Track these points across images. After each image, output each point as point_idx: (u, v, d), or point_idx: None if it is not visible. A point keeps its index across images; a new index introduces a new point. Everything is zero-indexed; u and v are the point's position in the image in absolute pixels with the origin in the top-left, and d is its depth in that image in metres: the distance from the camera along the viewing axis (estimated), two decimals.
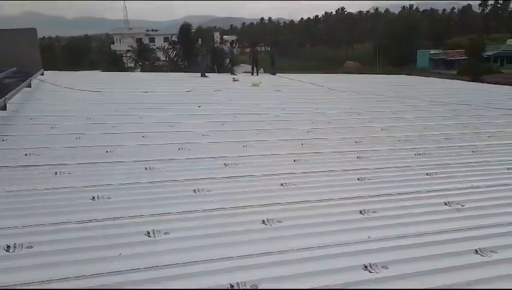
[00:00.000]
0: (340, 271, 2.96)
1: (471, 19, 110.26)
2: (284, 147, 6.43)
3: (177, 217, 3.77)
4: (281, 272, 2.92)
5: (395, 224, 3.76)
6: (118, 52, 61.53)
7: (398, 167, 5.58)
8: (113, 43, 79.68)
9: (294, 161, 5.71)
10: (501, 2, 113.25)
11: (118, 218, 3.68)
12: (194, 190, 4.42)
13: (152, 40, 73.69)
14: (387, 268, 2.98)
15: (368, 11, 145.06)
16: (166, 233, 3.42)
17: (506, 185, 4.97)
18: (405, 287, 2.78)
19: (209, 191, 4.44)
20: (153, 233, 3.40)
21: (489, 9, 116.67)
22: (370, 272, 2.93)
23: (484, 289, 2.86)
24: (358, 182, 4.94)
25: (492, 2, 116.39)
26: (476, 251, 3.30)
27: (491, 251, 3.30)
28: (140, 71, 42.01)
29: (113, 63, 50.77)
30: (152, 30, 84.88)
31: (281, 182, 4.77)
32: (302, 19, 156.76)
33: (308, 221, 3.77)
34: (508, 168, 5.65)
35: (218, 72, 24.15)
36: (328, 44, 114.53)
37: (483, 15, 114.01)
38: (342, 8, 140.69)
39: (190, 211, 3.88)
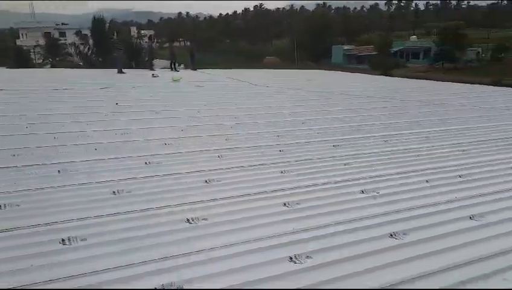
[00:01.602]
0: (267, 264, 2.98)
1: (378, 17, 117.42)
2: (207, 143, 6.36)
3: (95, 221, 3.55)
4: (209, 270, 2.87)
5: (318, 214, 3.88)
6: (25, 48, 57.03)
7: (319, 158, 5.77)
8: (19, 38, 73.77)
9: (219, 156, 5.67)
10: (404, 1, 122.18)
11: (30, 226, 3.39)
12: (114, 192, 4.21)
13: (63, 34, 69.26)
14: (311, 258, 3.05)
15: (283, 8, 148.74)
16: (83, 239, 3.21)
17: (415, 171, 5.33)
18: (329, 275, 2.87)
19: (129, 192, 4.26)
20: (69, 240, 3.18)
21: (394, 8, 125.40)
22: (295, 263, 2.98)
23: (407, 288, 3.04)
24: (282, 175, 5.02)
25: (396, 2, 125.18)
26: (391, 234, 3.51)
27: (403, 234, 3.51)
28: (51, 68, 39.28)
29: (19, 59, 46.90)
30: (62, 24, 79.76)
31: (205, 179, 4.71)
32: (220, 14, 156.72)
33: (234, 217, 3.75)
34: (417, 155, 6.08)
35: (137, 67, 23.32)
36: (248, 40, 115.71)
37: (389, 13, 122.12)
38: (261, 5, 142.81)
39: (109, 215, 3.68)
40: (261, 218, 3.77)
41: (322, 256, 3.09)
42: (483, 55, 52.84)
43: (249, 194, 4.31)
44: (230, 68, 24.94)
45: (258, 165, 5.34)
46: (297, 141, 6.74)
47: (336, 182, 4.82)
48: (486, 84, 19.09)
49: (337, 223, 3.69)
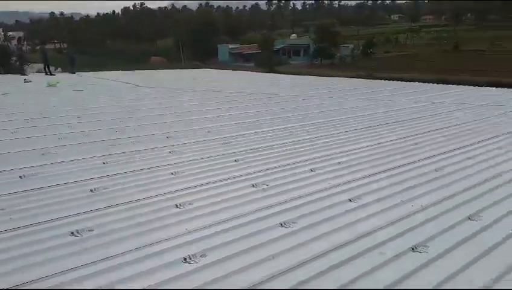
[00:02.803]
0: (163, 267, 2.92)
1: (259, 16, 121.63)
2: (90, 150, 5.98)
3: None
4: (98, 284, 2.72)
5: (211, 212, 3.90)
6: None
7: (209, 156, 5.79)
8: None
9: (104, 163, 5.38)
10: (283, 1, 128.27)
11: None
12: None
13: None
14: (206, 256, 3.06)
15: (166, 7, 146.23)
16: None
17: (300, 161, 5.63)
18: (223, 271, 2.90)
19: (3, 209, 3.84)
20: None
21: (274, 8, 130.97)
22: (189, 263, 2.96)
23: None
24: (172, 176, 4.94)
25: (276, 1, 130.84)
26: (281, 224, 3.66)
27: (293, 222, 3.70)
28: None
29: None
30: None
31: (90, 188, 4.44)
32: (98, 14, 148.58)
33: (123, 224, 3.60)
34: (303, 146, 6.43)
35: (6, 72, 21.07)
36: (132, 40, 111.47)
37: (270, 13, 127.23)
38: (141, 4, 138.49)
39: None
40: (153, 222, 3.67)
41: (217, 253, 3.11)
42: (356, 51, 57.68)
43: (139, 200, 4.17)
44: (114, 70, 23.82)
45: (148, 169, 5.18)
46: (187, 141, 6.68)
47: (227, 179, 4.89)
48: (362, 78, 20.96)
49: (230, 219, 3.75)
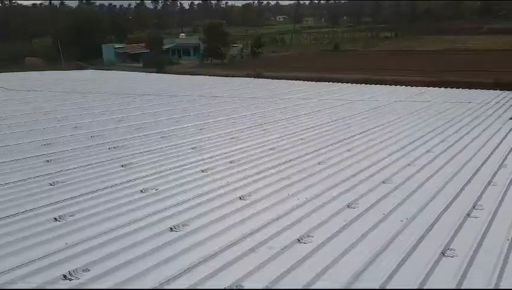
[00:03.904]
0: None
1: (146, 14, 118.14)
2: None
3: None
4: None
5: (95, 222, 3.68)
6: None
7: (93, 163, 5.46)
8: None
9: None
10: (170, 0, 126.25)
11: None
12: None
13: None
14: (89, 270, 2.87)
15: (41, 4, 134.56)
16: None
17: (191, 163, 5.58)
18: (107, 284, 2.75)
19: None
20: None
21: (161, 7, 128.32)
22: (70, 280, 2.76)
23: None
24: (51, 187, 4.56)
25: (162, 0, 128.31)
26: (171, 228, 3.59)
27: (183, 225, 3.65)
28: None
29: None
30: None
31: None
32: None
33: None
34: (192, 148, 6.37)
35: None
36: (1, 39, 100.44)
37: (156, 12, 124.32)
38: (10, 0, 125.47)
39: None
40: (29, 239, 3.34)
41: (100, 266, 2.94)
42: (245, 50, 58.95)
43: (14, 215, 3.77)
44: None
45: (21, 181, 4.71)
46: (69, 148, 6.21)
47: (114, 185, 4.66)
48: (252, 77, 21.48)
49: (116, 228, 3.57)
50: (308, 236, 3.49)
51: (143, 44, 57.51)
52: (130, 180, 4.85)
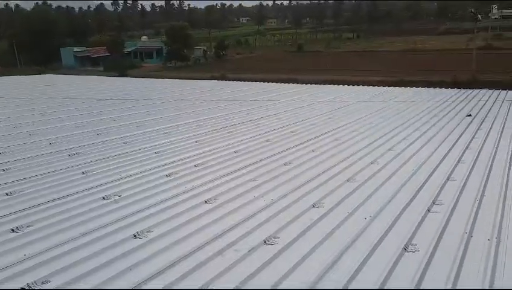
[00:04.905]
0: None
1: (106, 17, 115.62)
2: None
3: None
4: None
5: (54, 232, 3.55)
6: None
7: (50, 171, 5.27)
8: None
9: None
10: (130, 2, 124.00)
11: None
12: None
13: None
14: (49, 282, 2.77)
15: None
16: None
17: (154, 168, 5.48)
18: None
19: None
20: None
21: (121, 9, 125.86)
22: None
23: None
24: (7, 197, 4.37)
25: (122, 2, 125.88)
26: (135, 235, 3.51)
27: (147, 232, 3.57)
28: None
29: None
30: None
31: None
32: None
33: None
34: (156, 152, 6.26)
35: None
36: None
37: (117, 14, 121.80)
38: None
39: None
40: None
41: (61, 277, 2.84)
42: (208, 52, 58.70)
43: None
44: None
45: None
46: (26, 156, 5.98)
47: (74, 193, 4.51)
48: (216, 79, 21.48)
49: (77, 238, 3.46)
50: (274, 237, 3.50)
51: (104, 47, 56.20)
52: (91, 188, 4.71)
